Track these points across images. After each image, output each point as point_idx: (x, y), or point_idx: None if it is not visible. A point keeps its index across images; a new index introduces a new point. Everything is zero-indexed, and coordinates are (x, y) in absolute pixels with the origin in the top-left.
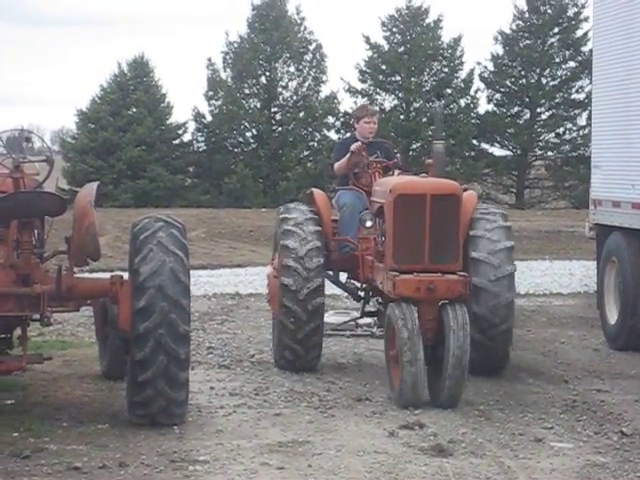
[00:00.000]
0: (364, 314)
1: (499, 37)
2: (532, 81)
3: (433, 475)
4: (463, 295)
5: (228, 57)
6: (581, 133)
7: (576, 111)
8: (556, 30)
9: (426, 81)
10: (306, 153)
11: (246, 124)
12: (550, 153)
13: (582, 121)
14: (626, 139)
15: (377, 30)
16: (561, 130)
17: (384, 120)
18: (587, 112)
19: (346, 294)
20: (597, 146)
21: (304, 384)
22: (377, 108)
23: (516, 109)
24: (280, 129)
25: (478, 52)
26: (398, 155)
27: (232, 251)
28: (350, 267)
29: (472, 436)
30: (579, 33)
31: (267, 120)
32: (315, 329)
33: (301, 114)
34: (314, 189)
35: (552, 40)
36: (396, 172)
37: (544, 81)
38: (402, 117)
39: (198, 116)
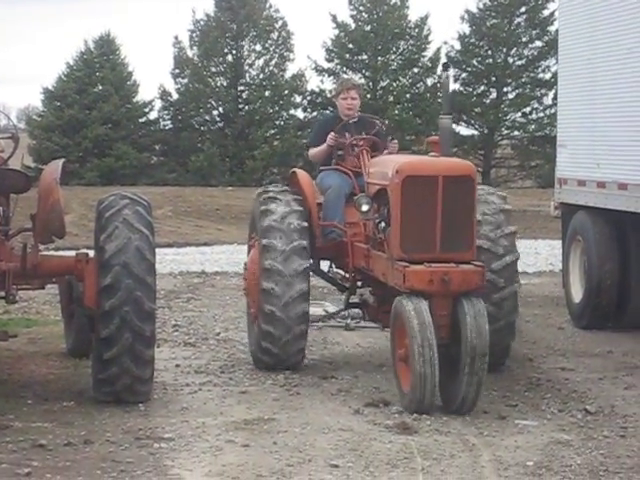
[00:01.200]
0: (348, 306)
1: (466, 16)
2: (499, 61)
3: (398, 452)
4: (480, 287)
5: (194, 35)
6: (547, 113)
7: (542, 91)
8: (523, 10)
9: (392, 60)
10: (272, 132)
11: (212, 102)
12: (516, 132)
13: (548, 101)
14: (591, 119)
15: (344, 8)
16: (527, 110)
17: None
18: (553, 92)
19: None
20: (563, 125)
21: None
22: (358, 81)
23: (482, 88)
24: (247, 108)
25: (445, 31)
26: (389, 136)
27: (198, 229)
28: (336, 255)
29: (437, 413)
30: (545, 13)
31: (233, 99)
32: (299, 335)
33: (267, 93)
34: (297, 169)
35: (519, 20)
36: (385, 152)
37: (510, 60)
38: (369, 96)
39: (164, 94)
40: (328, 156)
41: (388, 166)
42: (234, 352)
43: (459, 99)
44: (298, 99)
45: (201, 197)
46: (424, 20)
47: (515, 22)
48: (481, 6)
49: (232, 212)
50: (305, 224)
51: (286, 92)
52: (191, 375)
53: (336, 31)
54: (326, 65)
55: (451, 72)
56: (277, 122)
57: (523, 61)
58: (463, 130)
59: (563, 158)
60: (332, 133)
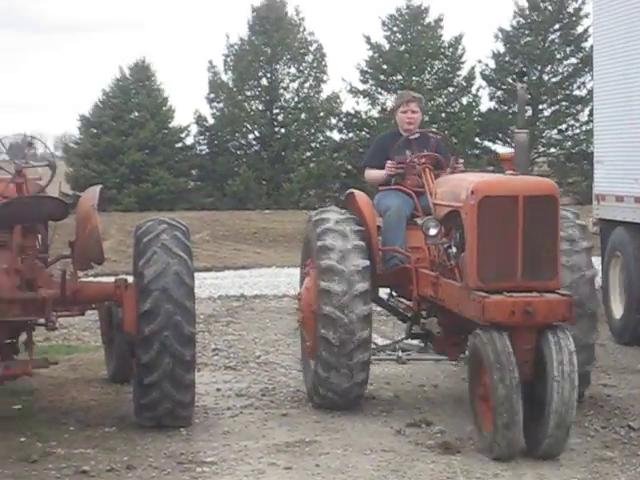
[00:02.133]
0: (411, 336)
1: (499, 34)
2: (533, 78)
3: (441, 472)
4: (568, 319)
5: (229, 59)
6: (583, 129)
7: (578, 107)
8: (557, 27)
9: (427, 80)
10: (308, 154)
11: (248, 126)
12: (553, 150)
13: (584, 117)
14: (628, 134)
15: (377, 30)
16: (563, 126)
17: (386, 120)
18: (589, 108)
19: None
20: (599, 141)
21: None
22: (418, 94)
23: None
24: (282, 130)
25: (479, 50)
26: (453, 154)
27: (236, 253)
28: (398, 282)
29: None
30: (580, 29)
31: (269, 122)
32: (360, 383)
33: (303, 115)
34: (354, 190)
35: (553, 37)
36: (448, 170)
37: (545, 78)
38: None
39: (200, 119)
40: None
41: (461, 186)
42: (274, 375)
43: (495, 117)
44: (333, 121)
45: (238, 221)
46: (458, 40)
47: (549, 39)
48: (515, 24)
49: (270, 235)
50: (367, 263)
51: (321, 114)
52: (232, 399)
53: (370, 52)
54: (361, 87)
55: (526, 84)
56: (313, 144)
57: (558, 78)
58: (499, 148)
59: (600, 174)
60: (390, 162)
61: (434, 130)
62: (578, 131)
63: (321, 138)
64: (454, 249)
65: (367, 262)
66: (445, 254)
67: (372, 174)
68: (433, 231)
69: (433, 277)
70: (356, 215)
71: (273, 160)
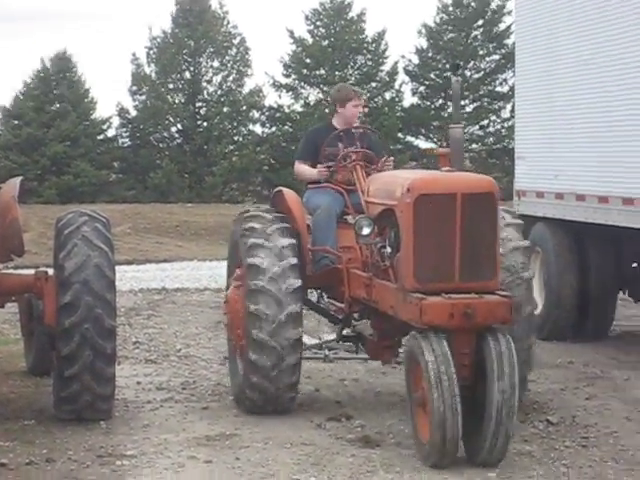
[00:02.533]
0: (341, 338)
1: (423, 30)
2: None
3: (360, 466)
4: (508, 321)
5: (152, 52)
6: (505, 125)
7: (500, 103)
8: (479, 23)
9: (350, 75)
10: (231, 148)
11: (171, 119)
12: (475, 145)
13: (506, 113)
14: (549, 130)
15: (301, 24)
16: (485, 122)
17: (309, 114)
18: (511, 104)
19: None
20: (520, 138)
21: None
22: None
23: (440, 102)
24: (205, 124)
25: (402, 45)
26: (384, 152)
27: (158, 246)
28: (328, 283)
29: (399, 427)
30: (502, 26)
31: (192, 115)
32: (293, 367)
33: (225, 109)
34: (283, 188)
35: (476, 33)
36: (379, 167)
37: (468, 74)
38: (327, 111)
39: (122, 111)
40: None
41: (395, 183)
42: (195, 368)
43: (417, 113)
44: (256, 115)
45: (160, 214)
46: (382, 35)
47: (472, 35)
48: (438, 20)
49: (192, 228)
50: (294, 241)
51: (244, 108)
52: (152, 392)
53: (293, 46)
54: (284, 81)
55: (459, 77)
56: (235, 138)
57: (480, 74)
58: (422, 143)
59: (521, 170)
60: (321, 166)
61: (366, 126)
62: (500, 127)
63: (244, 132)
64: (388, 249)
65: (299, 282)
66: (379, 254)
67: (302, 171)
68: (366, 230)
69: (366, 278)
70: (285, 214)
71: (195, 153)
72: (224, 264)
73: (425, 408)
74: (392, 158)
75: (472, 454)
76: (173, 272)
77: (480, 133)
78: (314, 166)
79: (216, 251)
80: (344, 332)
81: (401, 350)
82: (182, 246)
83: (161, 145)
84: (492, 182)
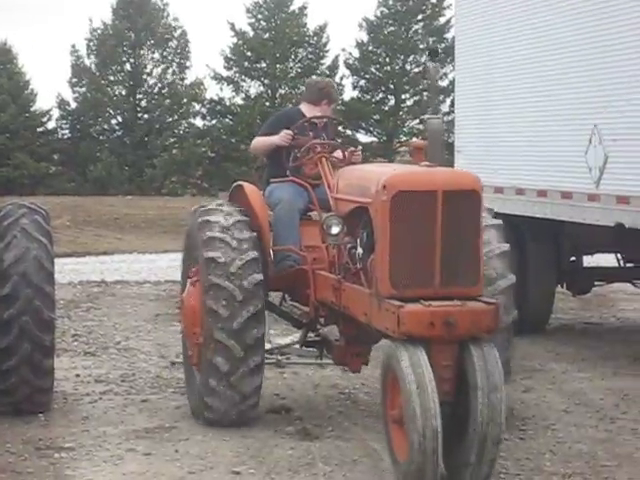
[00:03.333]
0: (305, 344)
1: (364, 24)
2: (397, 68)
3: (299, 458)
4: (493, 330)
5: (92, 44)
6: (445, 119)
7: (440, 97)
8: (420, 17)
9: (291, 68)
10: (172, 140)
11: (111, 111)
12: (415, 139)
13: (446, 107)
14: (488, 124)
15: (242, 17)
16: (425, 116)
17: (249, 107)
18: (451, 99)
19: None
20: (460, 132)
21: (171, 370)
22: None
23: (381, 95)
24: (145, 116)
25: (343, 39)
26: (350, 145)
27: (97, 239)
28: (292, 285)
29: (338, 419)
30: (442, 20)
31: (132, 107)
32: (256, 369)
33: (166, 101)
34: (243, 182)
35: (416, 27)
36: (340, 155)
37: (408, 68)
38: (268, 104)
39: (62, 103)
40: (274, 155)
41: (369, 179)
42: (134, 361)
43: (358, 106)
44: (197, 107)
45: (100, 206)
46: (323, 28)
47: (412, 29)
48: (379, 14)
49: (131, 221)
50: (254, 234)
51: (185, 100)
52: (91, 384)
53: (234, 39)
54: (225, 73)
55: (437, 64)
56: (176, 130)
57: (421, 68)
58: (362, 137)
59: (461, 164)
60: (286, 130)
61: (337, 118)
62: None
63: (184, 124)
64: (360, 250)
65: (260, 277)
66: (349, 256)
67: (259, 140)
68: (335, 229)
69: (334, 281)
70: (245, 210)
71: (136, 146)
72: (163, 257)
73: (402, 426)
74: (360, 148)
75: (456, 476)
76: (113, 265)
77: (420, 127)
78: (275, 155)
79: (156, 244)
80: (308, 337)
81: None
82: (122, 239)
83: (101, 137)
84: (476, 179)
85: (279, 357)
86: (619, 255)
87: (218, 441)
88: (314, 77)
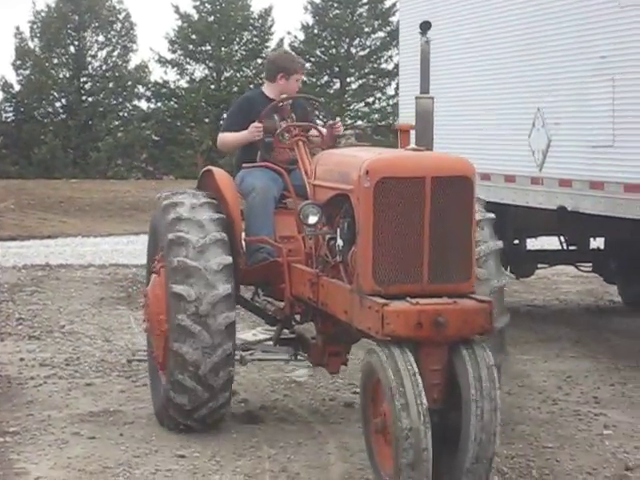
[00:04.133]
0: (279, 342)
1: (309, 7)
2: (342, 51)
3: (244, 441)
4: (488, 331)
5: (36, 26)
6: (390, 102)
7: (385, 81)
8: (365, 0)
9: (236, 51)
10: (116, 123)
11: (55, 94)
12: (360, 122)
13: (391, 90)
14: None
15: (187, 0)
16: (371, 99)
17: (194, 90)
18: (396, 82)
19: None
20: (405, 115)
21: (115, 354)
22: None
23: (326, 79)
24: (90, 99)
25: (288, 22)
26: (329, 117)
27: (42, 222)
28: (266, 279)
29: (283, 402)
30: (387, 3)
31: (76, 90)
32: (225, 359)
33: (111, 84)
34: (212, 168)
35: (361, 10)
36: (315, 133)
37: (354, 51)
38: (213, 87)
39: (6, 86)
40: (246, 148)
41: (350, 164)
42: (79, 345)
43: (303, 90)
44: (142, 90)
45: (44, 189)
46: (268, 11)
47: (358, 13)
48: None
49: (76, 204)
50: (222, 215)
51: (129, 83)
52: (36, 368)
53: (179, 22)
54: (169, 56)
55: (428, 37)
56: (121, 113)
57: (366, 51)
58: None
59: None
60: (255, 123)
61: (309, 96)
62: (385, 104)
63: (129, 107)
64: (340, 242)
65: (230, 259)
66: (327, 248)
67: (228, 137)
68: (312, 219)
69: (312, 275)
70: (215, 198)
71: (80, 129)
72: (108, 240)
73: (387, 437)
74: (339, 119)
75: None
76: (57, 248)
77: (366, 110)
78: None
79: (100, 227)
80: (283, 335)
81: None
82: (66, 222)
83: (45, 120)
84: (468, 164)
85: (242, 353)
86: (562, 238)
87: (163, 425)
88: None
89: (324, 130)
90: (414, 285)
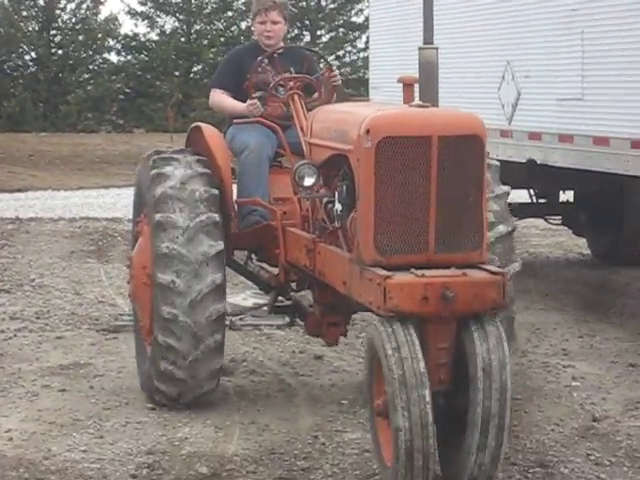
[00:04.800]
0: (273, 309)
1: None
2: (312, 4)
3: (214, 394)
4: (500, 305)
5: None
6: (361, 56)
7: (355, 34)
8: None
9: (207, 3)
10: (86, 76)
11: (24, 47)
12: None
13: (361, 44)
14: (402, 61)
15: None
16: (341, 53)
17: (165, 43)
18: (366, 35)
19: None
20: (375, 68)
21: (86, 307)
22: None
23: (296, 32)
24: (59, 52)
25: None
26: (325, 72)
27: (11, 176)
28: (259, 244)
29: (253, 355)
30: None
31: (46, 43)
32: (215, 350)
33: (80, 37)
34: (201, 124)
35: None
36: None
37: (324, 4)
38: (183, 40)
39: None
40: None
41: (349, 121)
42: (49, 298)
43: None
44: (112, 43)
45: (14, 143)
46: None
47: None
48: None
49: (46, 158)
50: (215, 192)
51: (99, 36)
52: (6, 322)
53: None
54: (139, 8)
55: None
56: (91, 66)
57: (336, 4)
58: None
59: (376, 101)
60: (253, 101)
61: (303, 47)
62: (356, 57)
63: (99, 60)
64: (339, 206)
65: (215, 191)
66: (325, 212)
67: (224, 102)
68: (309, 181)
69: (308, 241)
70: (204, 157)
71: (50, 82)
72: (78, 194)
73: (388, 420)
74: (336, 70)
75: (451, 475)
76: (27, 202)
77: (336, 63)
78: (236, 97)
79: (70, 181)
80: (278, 303)
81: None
82: (36, 175)
83: (14, 73)
84: (479, 121)
85: (232, 318)
86: (532, 191)
87: (133, 377)
88: None
89: (321, 84)
90: (419, 255)
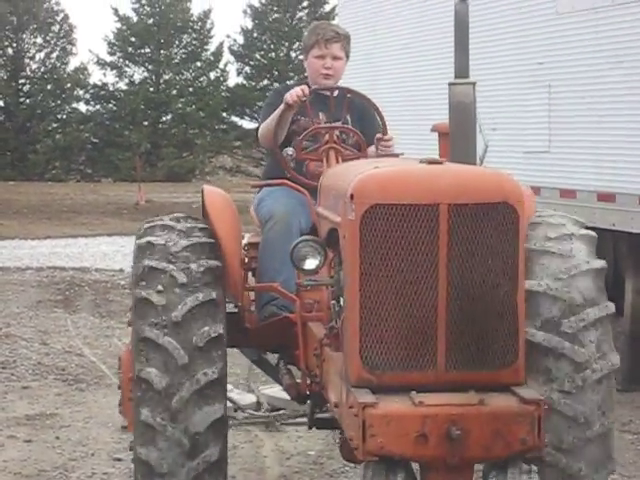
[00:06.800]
0: (314, 423)
1: (248, 10)
2: (281, 55)
3: None
4: (530, 448)
5: None
6: None
7: None
8: (305, 4)
9: (176, 53)
10: (55, 125)
11: None
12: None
13: None
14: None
15: (126, 2)
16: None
17: (133, 92)
18: None
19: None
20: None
21: (52, 357)
22: (343, 29)
23: (265, 82)
24: (28, 101)
25: (228, 25)
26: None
27: None
28: (280, 342)
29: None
30: (327, 8)
31: (14, 92)
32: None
33: (49, 86)
34: (206, 187)
35: (300, 14)
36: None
37: (293, 55)
38: (152, 89)
39: None
40: (279, 136)
41: (341, 185)
42: (16, 347)
43: (242, 93)
44: (81, 92)
45: None
46: (207, 14)
47: (297, 16)
48: (264, 0)
49: (13, 207)
50: (216, 263)
51: (68, 85)
52: None
53: (118, 24)
54: (108, 59)
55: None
56: (59, 116)
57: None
58: (246, 124)
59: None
60: (296, 89)
61: (364, 95)
62: None
63: (68, 109)
64: (340, 299)
65: (216, 262)
66: (329, 304)
67: (265, 126)
68: (311, 263)
69: (317, 342)
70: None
71: (18, 130)
72: (46, 243)
73: None
74: (391, 136)
75: None
76: None
77: None
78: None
79: (38, 230)
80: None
81: None
82: (3, 224)
83: None
84: (510, 183)
85: (269, 414)
86: None
87: (100, 427)
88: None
89: (371, 148)
90: (423, 372)
